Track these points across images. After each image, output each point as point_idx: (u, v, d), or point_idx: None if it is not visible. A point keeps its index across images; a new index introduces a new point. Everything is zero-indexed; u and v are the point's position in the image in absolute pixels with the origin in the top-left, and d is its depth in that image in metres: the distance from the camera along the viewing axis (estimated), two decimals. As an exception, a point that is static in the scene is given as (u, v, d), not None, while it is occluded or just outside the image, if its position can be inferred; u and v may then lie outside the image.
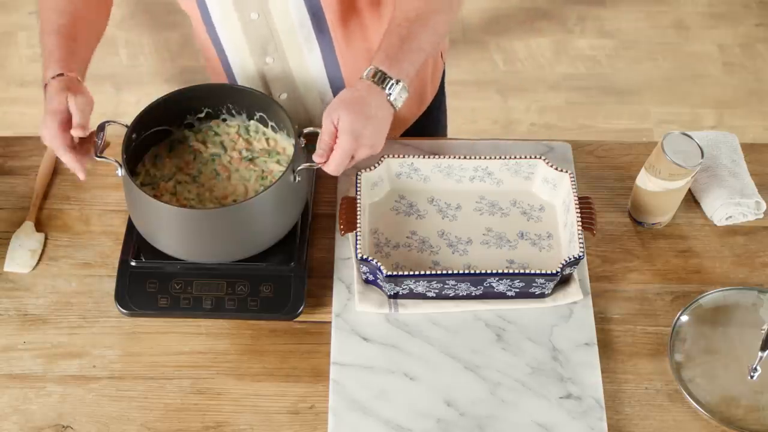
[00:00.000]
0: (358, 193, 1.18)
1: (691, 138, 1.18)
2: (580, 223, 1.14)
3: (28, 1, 2.80)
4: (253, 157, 1.21)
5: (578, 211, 1.15)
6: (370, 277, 1.16)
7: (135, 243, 1.18)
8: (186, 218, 1.09)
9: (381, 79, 1.10)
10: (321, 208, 1.28)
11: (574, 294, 1.17)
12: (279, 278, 1.15)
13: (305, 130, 1.15)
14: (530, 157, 1.22)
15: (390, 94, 1.10)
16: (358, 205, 1.16)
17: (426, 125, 1.52)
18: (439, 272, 1.11)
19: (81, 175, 1.12)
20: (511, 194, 1.26)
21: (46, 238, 1.25)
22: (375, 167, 1.20)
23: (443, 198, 1.25)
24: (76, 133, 1.10)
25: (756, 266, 1.24)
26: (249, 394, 1.12)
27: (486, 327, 1.16)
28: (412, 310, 1.16)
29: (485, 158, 1.22)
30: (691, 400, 1.10)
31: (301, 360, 1.14)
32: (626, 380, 1.13)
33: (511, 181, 1.25)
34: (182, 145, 1.23)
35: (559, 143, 1.34)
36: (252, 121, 1.23)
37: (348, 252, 1.22)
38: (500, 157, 1.23)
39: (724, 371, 1.13)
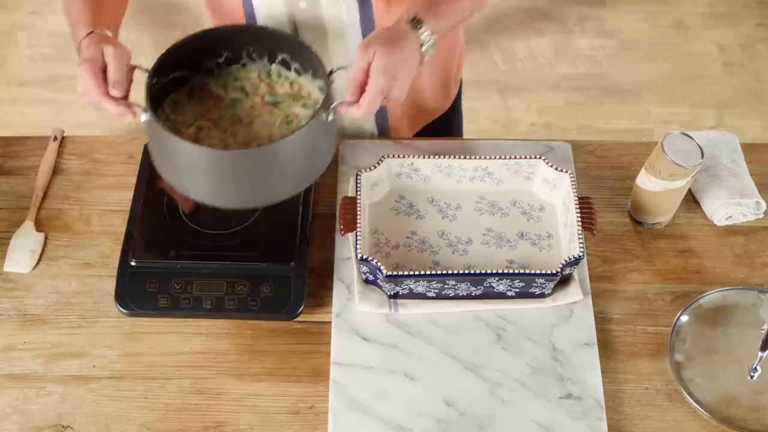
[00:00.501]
0: (358, 193, 1.18)
1: (691, 138, 1.18)
2: (580, 223, 1.14)
3: (28, 1, 2.80)
4: (276, 101, 1.15)
5: (578, 211, 1.15)
6: (370, 277, 1.16)
7: (135, 243, 1.18)
8: (219, 160, 1.03)
9: (418, 26, 1.07)
10: (321, 208, 1.28)
11: (574, 294, 1.17)
12: (279, 278, 1.15)
13: (334, 68, 1.09)
14: (530, 157, 1.22)
15: (423, 44, 1.07)
16: (358, 205, 1.16)
17: (447, 121, 1.51)
18: (439, 272, 1.11)
19: (131, 116, 1.05)
20: (511, 194, 1.26)
21: (46, 238, 1.25)
22: (375, 167, 1.20)
23: (443, 198, 1.25)
24: (115, 92, 1.04)
25: (756, 266, 1.24)
26: (249, 394, 1.12)
27: (486, 327, 1.16)
28: (412, 310, 1.16)
29: (485, 158, 1.22)
30: (691, 400, 1.10)
31: (301, 360, 1.14)
32: (626, 380, 1.13)
33: (511, 181, 1.25)
34: (202, 91, 1.17)
35: (559, 143, 1.34)
36: (274, 65, 1.18)
37: (348, 252, 1.22)
38: (500, 157, 1.23)
39: (724, 371, 1.13)
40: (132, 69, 1.08)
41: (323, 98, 1.08)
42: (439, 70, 1.42)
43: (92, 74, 1.04)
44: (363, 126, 1.42)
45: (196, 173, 1.06)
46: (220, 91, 1.17)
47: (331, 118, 1.06)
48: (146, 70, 1.09)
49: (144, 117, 1.05)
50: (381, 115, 1.41)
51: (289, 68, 1.17)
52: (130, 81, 1.07)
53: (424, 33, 1.08)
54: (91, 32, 1.09)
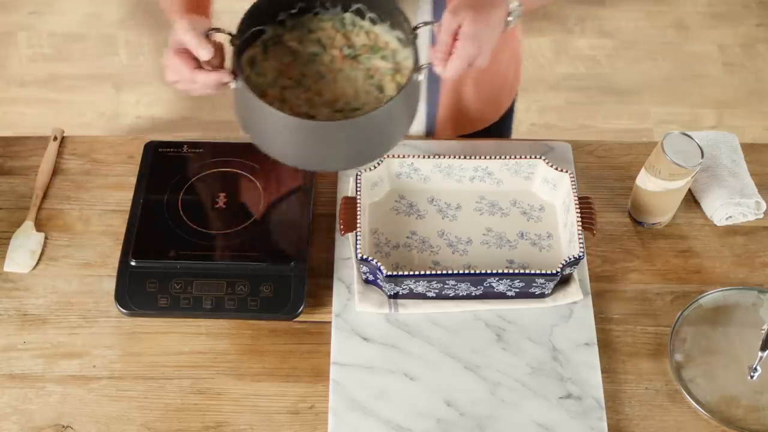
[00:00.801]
0: (358, 193, 1.18)
1: (691, 138, 1.18)
2: (580, 223, 1.14)
3: (28, 1, 2.80)
4: (355, 54, 1.13)
5: (578, 211, 1.15)
6: (370, 277, 1.16)
7: (135, 243, 1.18)
8: (312, 130, 1.04)
9: (517, 4, 1.06)
10: (321, 208, 1.28)
11: (574, 294, 1.17)
12: (279, 278, 1.15)
13: (419, 24, 1.07)
14: (530, 157, 1.22)
15: (510, 13, 1.06)
16: (358, 205, 1.16)
17: (495, 132, 1.50)
18: (439, 272, 1.11)
19: (227, 78, 1.04)
20: (511, 194, 1.26)
21: (46, 238, 1.25)
22: (375, 167, 1.20)
23: (443, 198, 1.25)
24: (202, 54, 1.03)
25: (756, 266, 1.24)
26: (249, 394, 1.12)
27: (486, 327, 1.16)
28: (412, 310, 1.16)
29: (485, 158, 1.22)
30: (691, 400, 1.10)
31: (301, 360, 1.14)
32: (626, 380, 1.13)
33: (511, 181, 1.25)
34: (277, 45, 1.14)
35: (559, 143, 1.34)
36: (347, 14, 1.14)
37: (348, 252, 1.22)
38: (500, 157, 1.23)
39: (724, 371, 1.13)
40: (213, 32, 1.06)
41: (413, 59, 1.07)
42: (492, 82, 1.42)
43: (176, 55, 1.04)
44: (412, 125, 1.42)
45: (286, 139, 1.06)
46: (296, 45, 1.13)
47: (421, 78, 1.05)
48: (228, 33, 1.08)
49: (234, 84, 1.05)
50: (430, 117, 1.41)
51: (363, 18, 1.14)
52: (215, 44, 1.06)
53: (514, 2, 1.06)
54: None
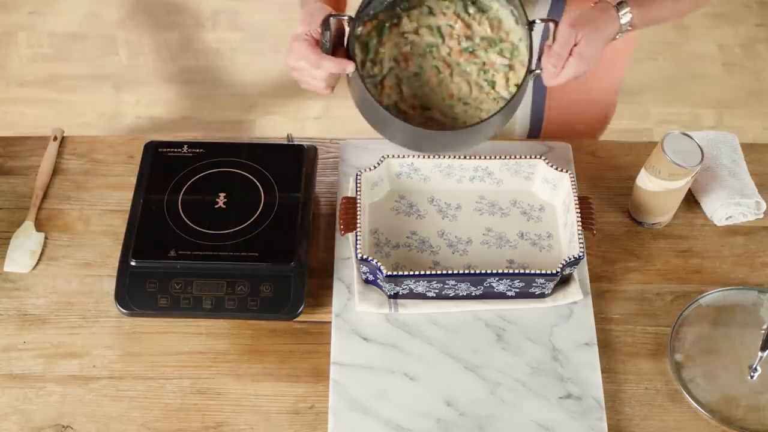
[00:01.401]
0: (358, 193, 1.18)
1: (691, 138, 1.18)
2: (579, 223, 1.14)
3: (28, 1, 2.80)
4: (473, 49, 1.15)
5: (578, 211, 1.15)
6: (370, 277, 1.16)
7: (135, 242, 1.18)
8: (430, 136, 1.11)
9: (624, 12, 1.09)
10: (321, 208, 1.28)
11: (574, 294, 1.17)
12: (279, 278, 1.15)
13: (536, 20, 1.10)
14: (530, 157, 1.22)
15: (619, 32, 1.10)
16: (358, 205, 1.16)
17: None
18: (439, 272, 1.11)
19: (351, 66, 1.08)
20: (511, 194, 1.26)
21: (46, 238, 1.25)
22: (375, 167, 1.20)
23: (443, 198, 1.25)
24: (301, 27, 1.07)
25: (756, 266, 1.24)
26: (249, 394, 1.12)
27: (486, 327, 1.16)
28: (412, 310, 1.16)
29: (485, 158, 1.22)
30: (691, 400, 1.10)
31: (301, 360, 1.14)
32: (626, 380, 1.13)
33: (511, 181, 1.25)
34: (392, 28, 1.15)
35: (559, 143, 1.34)
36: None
37: (348, 252, 1.22)
38: (500, 157, 1.23)
39: (724, 371, 1.13)
40: (327, 20, 1.08)
41: (527, 60, 1.10)
42: (603, 100, 1.47)
43: (302, 41, 1.06)
44: (514, 128, 1.46)
45: (397, 132, 1.13)
46: (413, 37, 1.15)
47: (530, 81, 1.12)
48: (350, 16, 1.09)
49: (350, 73, 1.09)
50: (536, 121, 1.44)
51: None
52: (330, 33, 1.08)
53: (625, 24, 1.10)
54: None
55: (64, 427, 1.09)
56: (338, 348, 1.14)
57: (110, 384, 1.12)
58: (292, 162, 1.26)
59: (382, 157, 1.21)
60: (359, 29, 1.13)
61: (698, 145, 1.18)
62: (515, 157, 1.22)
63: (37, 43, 2.70)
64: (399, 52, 1.15)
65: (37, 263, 1.22)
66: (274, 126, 2.51)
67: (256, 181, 1.24)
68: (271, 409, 1.11)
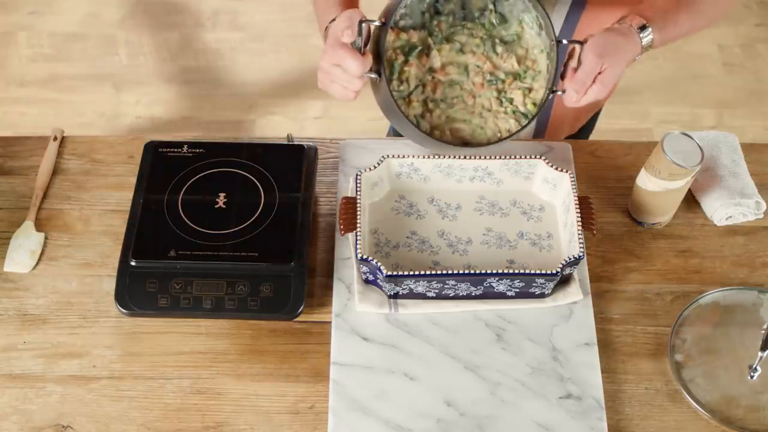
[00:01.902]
0: (358, 193, 1.18)
1: (691, 138, 1.18)
2: (579, 223, 1.14)
3: (28, 1, 2.80)
4: (499, 87, 1.17)
5: (578, 211, 1.15)
6: (370, 277, 1.16)
7: (135, 243, 1.18)
8: (452, 149, 1.18)
9: (646, 39, 1.11)
10: (321, 208, 1.28)
11: (574, 294, 1.17)
12: (279, 278, 1.15)
13: (564, 41, 1.11)
14: (530, 157, 1.22)
15: (637, 58, 1.11)
16: (358, 205, 1.16)
17: (588, 125, 1.57)
18: (439, 272, 1.11)
19: (369, 67, 1.09)
20: (511, 194, 1.26)
21: (46, 238, 1.25)
22: (375, 167, 1.20)
23: (443, 198, 1.25)
24: (345, 38, 1.05)
25: (756, 266, 1.24)
26: (249, 394, 1.12)
27: (486, 327, 1.16)
28: (412, 310, 1.16)
29: (485, 158, 1.22)
30: (691, 400, 1.10)
31: (301, 360, 1.14)
32: (626, 380, 1.13)
33: (511, 181, 1.25)
34: (420, 56, 1.17)
35: (559, 143, 1.34)
36: (502, 30, 1.17)
37: (348, 252, 1.22)
38: (500, 157, 1.23)
39: (724, 371, 1.13)
40: (359, 24, 1.08)
41: (548, 80, 1.13)
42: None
43: (331, 39, 1.08)
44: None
45: (417, 139, 1.18)
46: (441, 72, 1.17)
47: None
48: (380, 22, 1.10)
49: (376, 78, 1.11)
50: (542, 122, 1.46)
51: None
52: (367, 33, 1.09)
53: (647, 45, 1.12)
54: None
55: (64, 427, 1.09)
56: (338, 348, 1.14)
57: (110, 384, 1.12)
58: (292, 162, 1.26)
59: (382, 157, 1.21)
60: (390, 38, 1.15)
61: (698, 145, 1.18)
62: (515, 157, 1.22)
63: (37, 43, 2.70)
64: (426, 78, 1.18)
65: (37, 263, 1.22)
66: (274, 126, 2.51)
67: (256, 181, 1.24)
68: (271, 409, 1.11)
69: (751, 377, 1.12)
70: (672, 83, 2.64)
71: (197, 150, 1.27)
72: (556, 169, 1.21)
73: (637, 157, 1.34)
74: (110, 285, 1.18)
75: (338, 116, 2.55)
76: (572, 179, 1.19)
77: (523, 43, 1.18)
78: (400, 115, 1.12)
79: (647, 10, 1.14)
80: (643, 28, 1.12)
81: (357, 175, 1.19)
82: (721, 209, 1.26)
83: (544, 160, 1.22)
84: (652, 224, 1.27)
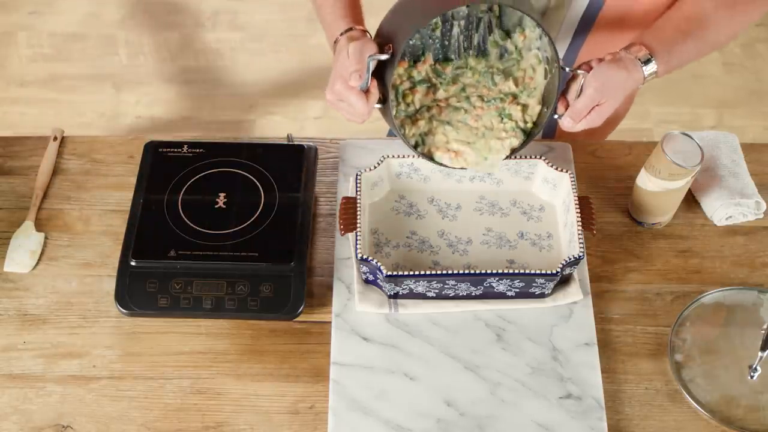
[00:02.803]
0: (358, 193, 1.18)
1: (691, 138, 1.18)
2: (579, 223, 1.14)
3: (28, 1, 2.80)
4: (499, 107, 1.18)
5: (578, 211, 1.15)
6: (370, 277, 1.16)
7: (135, 242, 1.18)
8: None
9: (649, 69, 1.11)
10: (321, 208, 1.28)
11: (574, 294, 1.17)
12: (279, 278, 1.15)
13: (567, 69, 1.11)
14: (530, 157, 1.22)
15: (639, 87, 1.13)
16: (358, 205, 1.16)
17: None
18: (439, 272, 1.11)
19: (374, 104, 1.10)
20: (511, 194, 1.26)
21: (46, 238, 1.25)
22: (375, 167, 1.20)
23: (443, 198, 1.25)
24: (352, 81, 1.06)
25: (756, 266, 1.24)
26: (249, 394, 1.12)
27: (486, 327, 1.16)
28: (412, 310, 1.16)
29: (485, 158, 1.22)
30: (691, 400, 1.10)
31: (301, 360, 1.14)
32: (626, 380, 1.13)
33: (511, 181, 1.25)
34: (427, 92, 1.19)
35: (559, 143, 1.34)
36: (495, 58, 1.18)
37: (348, 252, 1.22)
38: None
39: (724, 371, 1.13)
40: (375, 56, 1.08)
41: (544, 98, 1.15)
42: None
43: (339, 79, 1.08)
44: None
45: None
46: (444, 105, 1.19)
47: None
48: (387, 54, 1.09)
49: (383, 108, 1.12)
50: (550, 123, 1.45)
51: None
52: (368, 76, 1.09)
53: (650, 76, 1.12)
54: (349, 29, 1.12)
55: (64, 427, 1.09)
56: (338, 348, 1.14)
57: (110, 384, 1.12)
58: (292, 162, 1.26)
59: (382, 157, 1.21)
60: (399, 71, 1.16)
61: (698, 145, 1.18)
62: (515, 157, 1.22)
63: (37, 43, 2.70)
64: (428, 99, 1.19)
65: (37, 263, 1.22)
66: (274, 126, 2.51)
67: (256, 181, 1.24)
68: (271, 409, 1.11)
69: (751, 377, 1.12)
70: (672, 83, 2.64)
71: (197, 150, 1.27)
72: (556, 169, 1.21)
73: (637, 157, 1.34)
74: (110, 285, 1.18)
75: (338, 116, 2.53)
76: (572, 179, 1.19)
77: (522, 63, 1.18)
78: (403, 138, 1.16)
79: (653, 39, 1.13)
80: (647, 61, 1.11)
81: (357, 175, 1.19)
82: (721, 209, 1.26)
83: (544, 160, 1.22)
84: (652, 224, 1.27)
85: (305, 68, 2.65)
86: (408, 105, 1.18)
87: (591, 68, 1.10)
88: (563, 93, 1.14)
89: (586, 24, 1.25)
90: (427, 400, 1.10)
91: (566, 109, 1.13)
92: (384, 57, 1.08)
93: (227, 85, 2.61)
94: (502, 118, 1.18)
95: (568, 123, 1.13)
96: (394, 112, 1.16)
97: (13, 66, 2.66)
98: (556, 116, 1.15)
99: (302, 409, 1.11)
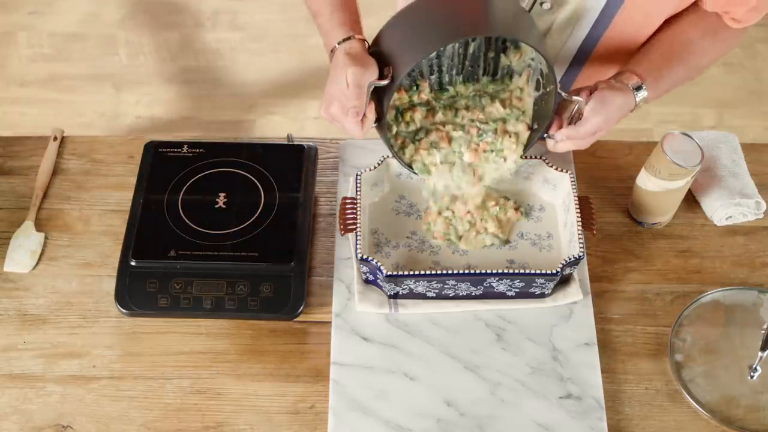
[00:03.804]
0: (358, 193, 1.18)
1: (691, 138, 1.18)
2: (579, 223, 1.14)
3: (28, 1, 2.80)
4: (491, 144, 1.18)
5: (578, 211, 1.15)
6: (370, 277, 1.16)
7: (135, 243, 1.18)
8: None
9: (643, 100, 1.14)
10: (321, 208, 1.28)
11: (574, 294, 1.17)
12: (279, 278, 1.15)
13: (566, 96, 1.11)
14: (530, 157, 1.22)
15: (628, 114, 1.15)
16: (358, 205, 1.16)
17: None
18: (439, 272, 1.11)
19: (359, 135, 1.09)
20: (512, 194, 1.25)
21: (46, 238, 1.25)
22: (375, 167, 1.20)
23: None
24: (350, 118, 1.07)
25: (756, 266, 1.24)
26: (249, 394, 1.12)
27: (486, 327, 1.16)
28: (412, 310, 1.16)
29: (485, 158, 1.22)
30: (691, 400, 1.10)
31: (301, 360, 1.14)
32: (626, 380, 1.13)
33: (512, 181, 1.25)
34: (427, 115, 1.18)
35: (559, 143, 1.34)
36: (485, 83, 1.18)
37: (348, 252, 1.22)
38: (500, 157, 1.22)
39: (724, 371, 1.13)
40: (374, 83, 1.07)
41: (533, 121, 1.16)
42: None
43: (337, 105, 1.07)
44: None
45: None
46: (442, 130, 1.18)
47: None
48: (387, 80, 1.07)
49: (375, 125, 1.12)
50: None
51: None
52: (368, 99, 1.07)
53: (640, 101, 1.14)
54: (347, 38, 1.09)
55: (64, 427, 1.09)
56: (338, 348, 1.14)
57: (110, 384, 1.12)
58: (292, 162, 1.26)
59: (382, 157, 1.21)
60: (396, 97, 1.16)
61: (698, 145, 1.18)
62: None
63: (37, 43, 2.70)
64: (430, 125, 1.18)
65: (37, 263, 1.22)
66: (274, 126, 2.51)
67: (256, 181, 1.24)
68: (271, 409, 1.11)
69: (751, 377, 1.12)
70: (672, 83, 2.64)
71: (197, 150, 1.27)
72: (556, 169, 1.21)
73: (637, 157, 1.34)
74: (110, 285, 1.18)
75: (338, 116, 2.55)
76: (572, 179, 1.19)
77: (511, 85, 1.18)
78: (398, 158, 1.16)
79: (641, 67, 1.16)
80: (638, 87, 1.14)
81: (357, 175, 1.19)
82: (721, 209, 1.26)
83: (544, 160, 1.22)
84: (652, 224, 1.27)
85: (305, 68, 2.65)
86: (408, 124, 1.17)
87: (588, 94, 1.11)
88: (556, 113, 1.14)
89: (583, 54, 1.26)
90: (427, 400, 1.10)
91: (557, 129, 1.13)
92: (383, 83, 1.06)
93: (227, 85, 2.61)
94: (496, 153, 1.18)
95: (562, 146, 1.14)
96: (394, 131, 1.16)
97: (13, 66, 2.66)
98: (545, 136, 1.15)
99: (302, 409, 1.11)
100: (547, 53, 1.08)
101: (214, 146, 1.28)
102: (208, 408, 1.11)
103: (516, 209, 1.22)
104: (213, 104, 2.56)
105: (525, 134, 1.18)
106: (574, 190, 1.17)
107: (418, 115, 1.17)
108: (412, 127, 1.18)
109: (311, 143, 1.30)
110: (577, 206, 1.16)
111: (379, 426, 1.08)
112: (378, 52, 1.09)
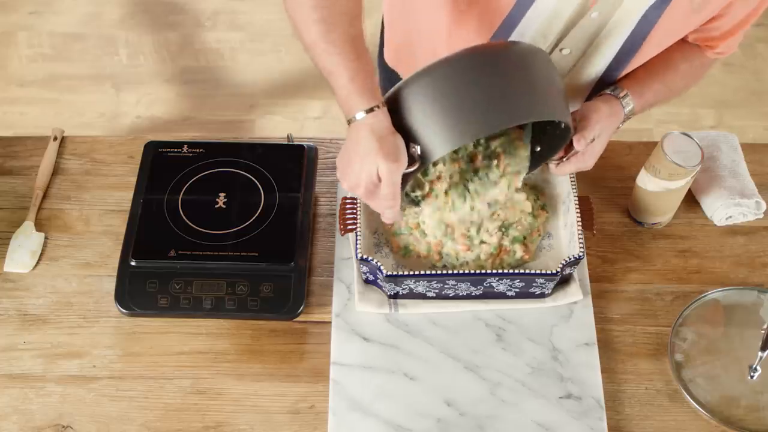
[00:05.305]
0: (358, 193, 1.17)
1: (691, 138, 1.18)
2: (579, 223, 1.14)
3: (28, 1, 2.80)
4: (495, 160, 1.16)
5: (578, 211, 1.15)
6: (370, 277, 1.16)
7: (135, 243, 1.18)
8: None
9: (629, 114, 1.16)
10: (321, 208, 1.28)
11: (574, 294, 1.17)
12: (279, 278, 1.15)
13: (572, 131, 1.08)
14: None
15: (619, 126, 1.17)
16: (358, 205, 1.16)
17: None
18: (439, 272, 1.11)
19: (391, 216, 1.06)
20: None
21: (46, 238, 1.25)
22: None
23: (443, 198, 1.25)
24: (387, 218, 1.07)
25: (756, 266, 1.24)
26: (249, 394, 1.12)
27: (486, 327, 1.16)
28: (412, 310, 1.16)
29: (485, 158, 1.22)
30: (691, 400, 1.10)
31: (301, 360, 1.14)
32: (626, 380, 1.13)
33: (511, 181, 1.25)
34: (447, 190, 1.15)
35: (559, 143, 1.34)
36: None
37: (348, 252, 1.22)
38: (500, 157, 1.22)
39: (724, 371, 1.13)
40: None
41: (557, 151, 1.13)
42: None
43: (361, 180, 1.00)
44: None
45: None
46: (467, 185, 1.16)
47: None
48: (416, 166, 0.98)
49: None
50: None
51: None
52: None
53: (629, 113, 1.16)
54: (371, 109, 0.97)
55: (64, 427, 1.09)
56: (338, 348, 1.14)
57: (110, 384, 1.12)
58: (292, 162, 1.26)
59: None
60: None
61: (698, 145, 1.18)
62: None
63: (37, 43, 2.70)
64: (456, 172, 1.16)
65: (37, 263, 1.22)
66: (274, 126, 2.51)
67: (256, 181, 1.24)
68: (271, 409, 1.11)
69: (751, 377, 1.12)
70: (672, 83, 2.64)
71: (197, 150, 1.27)
72: (556, 169, 1.21)
73: (637, 157, 1.34)
74: (110, 285, 1.18)
75: (338, 116, 2.54)
76: (572, 179, 1.19)
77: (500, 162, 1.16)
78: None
79: (627, 79, 1.18)
80: (624, 96, 1.15)
81: (357, 175, 1.19)
82: (721, 209, 1.26)
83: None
84: (652, 224, 1.27)
85: (305, 68, 2.65)
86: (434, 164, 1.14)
87: (584, 116, 1.11)
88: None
89: (595, 91, 1.25)
90: (427, 400, 1.10)
91: (559, 158, 1.14)
92: (412, 170, 0.97)
93: (227, 85, 2.61)
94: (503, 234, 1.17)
95: (565, 168, 1.14)
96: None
97: (13, 66, 2.66)
98: (550, 162, 1.14)
99: (302, 409, 1.11)
100: (570, 123, 1.04)
101: (214, 146, 1.28)
102: (208, 408, 1.11)
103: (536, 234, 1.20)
104: (213, 104, 2.56)
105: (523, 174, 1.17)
106: (574, 190, 1.17)
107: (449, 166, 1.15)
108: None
109: (311, 143, 1.30)
110: (577, 206, 1.16)
111: (379, 426, 1.08)
112: (401, 122, 0.98)
